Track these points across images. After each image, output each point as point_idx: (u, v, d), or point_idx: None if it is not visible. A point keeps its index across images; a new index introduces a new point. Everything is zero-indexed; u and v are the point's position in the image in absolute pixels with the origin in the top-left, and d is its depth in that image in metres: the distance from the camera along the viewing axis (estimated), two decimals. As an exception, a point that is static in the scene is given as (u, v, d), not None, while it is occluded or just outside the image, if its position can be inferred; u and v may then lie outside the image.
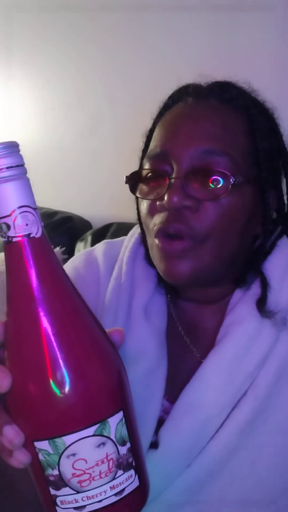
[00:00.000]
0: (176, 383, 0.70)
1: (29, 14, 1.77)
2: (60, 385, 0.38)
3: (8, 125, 1.91)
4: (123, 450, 0.40)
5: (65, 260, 1.29)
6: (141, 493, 0.42)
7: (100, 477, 0.39)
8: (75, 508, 0.40)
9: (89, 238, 1.48)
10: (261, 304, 0.68)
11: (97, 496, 0.40)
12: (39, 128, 1.83)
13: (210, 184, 0.64)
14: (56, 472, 0.39)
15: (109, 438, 0.39)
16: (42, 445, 0.39)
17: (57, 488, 0.40)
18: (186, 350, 0.74)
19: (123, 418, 0.41)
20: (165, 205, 0.64)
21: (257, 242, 0.73)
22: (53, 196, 1.76)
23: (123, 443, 0.40)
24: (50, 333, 0.38)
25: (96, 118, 1.65)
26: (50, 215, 1.65)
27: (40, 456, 0.39)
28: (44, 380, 0.38)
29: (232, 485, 0.65)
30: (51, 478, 0.40)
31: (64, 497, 0.40)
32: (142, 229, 0.75)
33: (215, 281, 0.71)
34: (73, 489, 0.39)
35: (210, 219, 0.64)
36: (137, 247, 0.78)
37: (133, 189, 0.70)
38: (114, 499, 0.40)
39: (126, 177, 0.70)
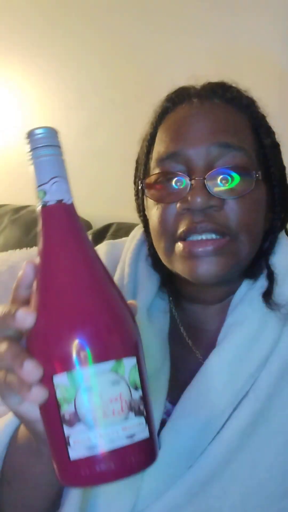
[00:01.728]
0: (178, 384, 0.70)
1: (29, 14, 1.77)
2: (83, 321, 0.43)
3: (9, 125, 1.91)
4: (135, 395, 0.43)
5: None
6: (150, 447, 0.44)
7: (113, 415, 0.42)
8: (87, 447, 0.41)
9: (89, 238, 1.48)
10: (268, 296, 0.68)
11: (109, 435, 0.41)
12: (39, 128, 1.83)
13: (232, 181, 0.64)
14: (72, 407, 0.41)
15: (123, 378, 0.42)
16: (61, 379, 0.42)
17: (71, 425, 0.42)
18: (188, 351, 0.74)
19: (136, 365, 0.44)
20: (189, 207, 0.63)
21: (266, 236, 0.74)
22: (53, 196, 1.76)
23: (135, 388, 0.43)
24: (75, 277, 0.44)
25: (96, 118, 1.65)
26: (50, 215, 1.64)
27: (58, 393, 0.42)
28: (69, 316, 0.43)
29: (233, 486, 0.64)
30: (66, 416, 0.42)
31: (77, 436, 0.41)
32: (146, 231, 0.75)
33: (235, 275, 0.70)
34: (87, 426, 0.41)
35: (237, 215, 0.64)
36: (139, 249, 0.78)
37: (143, 195, 0.70)
38: (125, 442, 0.42)
39: (140, 182, 0.70)
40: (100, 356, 0.42)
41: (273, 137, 0.72)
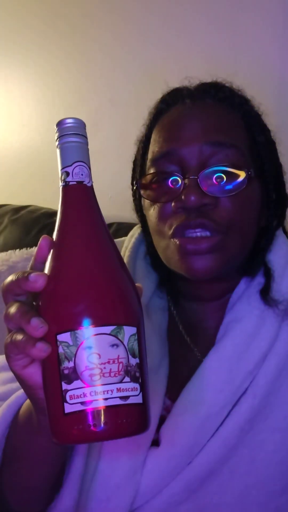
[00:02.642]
0: (177, 381, 0.70)
1: (29, 14, 1.77)
2: (90, 285, 0.46)
3: (8, 125, 1.91)
4: (132, 361, 0.46)
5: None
6: (142, 414, 0.46)
7: (110, 375, 0.44)
8: (82, 403, 0.44)
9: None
10: (266, 293, 0.68)
11: (104, 393, 0.44)
12: (39, 128, 1.83)
13: (225, 180, 0.65)
14: (71, 364, 0.44)
15: (122, 343, 0.45)
16: (64, 337, 0.45)
17: (69, 381, 0.44)
18: (187, 349, 0.74)
19: (136, 335, 0.47)
20: (183, 205, 0.64)
21: (262, 234, 0.74)
22: (53, 196, 1.75)
23: (133, 355, 0.46)
24: (88, 248, 0.48)
25: (95, 118, 1.65)
26: (50, 215, 1.65)
27: (60, 349, 0.45)
28: (77, 280, 0.46)
29: (232, 483, 0.65)
30: (66, 371, 0.44)
31: (74, 391, 0.44)
32: (145, 231, 0.75)
33: (231, 272, 0.71)
34: (84, 382, 0.44)
35: (230, 213, 0.65)
36: (137, 248, 0.79)
37: (139, 195, 0.70)
38: (119, 401, 0.44)
39: (136, 183, 0.70)
40: (102, 319, 0.45)
41: (268, 134, 0.73)
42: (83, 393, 0.44)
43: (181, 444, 0.65)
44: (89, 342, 0.44)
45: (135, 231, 0.81)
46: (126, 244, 0.80)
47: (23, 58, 1.82)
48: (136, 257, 0.78)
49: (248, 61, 1.26)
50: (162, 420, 0.68)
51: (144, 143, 0.73)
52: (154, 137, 0.71)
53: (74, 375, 0.44)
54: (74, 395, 0.44)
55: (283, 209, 0.75)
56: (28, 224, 1.66)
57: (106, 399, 0.44)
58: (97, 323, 0.45)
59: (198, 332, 0.75)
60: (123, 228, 1.37)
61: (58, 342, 0.45)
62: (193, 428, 0.65)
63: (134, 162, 0.76)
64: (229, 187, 0.65)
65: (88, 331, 0.44)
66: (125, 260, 0.78)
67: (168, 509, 0.66)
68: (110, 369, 0.44)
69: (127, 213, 0.81)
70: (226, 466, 0.66)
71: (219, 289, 0.73)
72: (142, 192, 0.70)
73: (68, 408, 0.44)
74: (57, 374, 0.45)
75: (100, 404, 0.43)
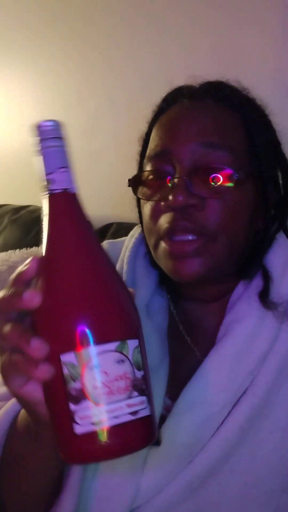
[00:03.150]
0: (177, 381, 0.70)
1: (29, 14, 1.77)
2: (91, 302, 0.45)
3: (8, 125, 1.91)
4: (138, 375, 0.45)
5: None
6: (151, 425, 0.46)
7: (118, 393, 0.44)
8: (93, 423, 0.43)
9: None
10: (264, 295, 0.68)
11: (114, 412, 0.43)
12: (39, 128, 1.83)
13: (214, 181, 0.65)
14: (78, 384, 0.43)
15: (127, 357, 0.45)
16: (68, 358, 0.43)
17: (77, 402, 0.43)
18: (187, 348, 0.74)
19: (139, 347, 0.46)
20: (170, 205, 0.64)
21: (259, 235, 0.73)
22: (53, 196, 1.76)
23: (138, 368, 0.45)
24: (81, 261, 0.47)
25: (96, 118, 1.65)
26: (50, 215, 1.65)
27: (65, 370, 0.43)
28: (76, 298, 0.45)
29: (232, 481, 0.65)
30: (73, 392, 0.43)
31: (83, 412, 0.43)
32: (143, 230, 0.75)
33: (222, 277, 0.71)
34: (93, 402, 0.43)
35: (217, 215, 0.65)
36: (138, 247, 0.79)
37: (136, 192, 0.70)
38: (130, 418, 0.44)
39: (129, 180, 0.71)
40: (106, 336, 0.44)
41: (270, 135, 0.72)
42: (93, 413, 0.43)
43: (181, 443, 0.65)
44: (95, 361, 0.43)
45: (136, 231, 0.81)
46: (126, 244, 0.80)
47: (23, 58, 1.82)
48: (136, 257, 0.78)
49: (247, 63, 1.26)
50: (162, 419, 0.68)
51: (144, 141, 0.74)
52: (152, 135, 0.71)
53: (82, 395, 0.43)
54: (83, 415, 0.43)
55: (284, 211, 0.74)
56: (28, 224, 1.66)
57: (117, 417, 0.43)
58: (102, 340, 0.44)
59: (198, 332, 0.75)
60: (123, 228, 1.37)
61: (62, 363, 0.44)
62: (194, 427, 0.66)
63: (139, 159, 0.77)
64: (217, 189, 0.65)
65: (93, 350, 0.43)
66: (125, 260, 0.78)
67: (169, 508, 0.66)
68: (118, 386, 0.44)
69: (127, 213, 0.81)
70: (227, 465, 0.66)
71: (215, 291, 0.73)
72: (134, 189, 0.70)
73: (78, 429, 0.43)
74: (63, 395, 0.44)
75: (112, 422, 0.43)
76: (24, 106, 1.86)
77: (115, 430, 0.43)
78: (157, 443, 0.67)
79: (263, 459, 0.66)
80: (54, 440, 0.46)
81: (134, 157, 0.78)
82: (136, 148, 0.77)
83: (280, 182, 0.74)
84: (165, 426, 0.67)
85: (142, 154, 0.74)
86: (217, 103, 0.70)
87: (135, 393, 0.44)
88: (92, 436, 0.43)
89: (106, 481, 0.65)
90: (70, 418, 0.43)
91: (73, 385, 0.43)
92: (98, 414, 0.43)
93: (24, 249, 1.56)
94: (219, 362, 0.68)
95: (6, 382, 0.47)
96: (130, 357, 0.45)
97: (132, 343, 0.45)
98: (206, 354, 0.69)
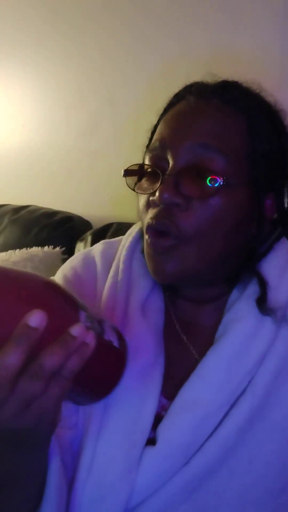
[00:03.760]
0: (173, 380, 0.70)
1: (29, 14, 1.77)
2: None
3: (8, 125, 1.91)
4: None
5: (65, 260, 1.29)
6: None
7: None
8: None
9: (89, 238, 1.48)
10: (262, 302, 0.68)
11: None
12: (39, 128, 1.83)
13: (202, 183, 0.64)
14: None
15: None
16: (82, 314, 0.53)
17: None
18: (183, 347, 0.74)
19: None
20: (155, 201, 0.65)
21: (254, 241, 0.73)
22: (53, 196, 1.76)
23: None
24: None
25: (96, 118, 1.65)
26: (50, 215, 1.65)
27: (88, 324, 0.53)
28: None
29: (231, 483, 0.65)
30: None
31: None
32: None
33: (207, 281, 0.71)
34: None
35: (198, 219, 0.65)
36: (134, 246, 0.79)
37: (131, 184, 0.71)
38: None
39: (124, 170, 0.71)
40: None
41: (279, 142, 0.70)
42: None
43: (177, 443, 0.65)
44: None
45: (133, 230, 0.81)
46: (124, 243, 0.80)
47: (24, 58, 1.82)
48: (133, 256, 0.78)
49: (249, 62, 1.26)
50: (158, 418, 0.68)
51: (152, 133, 0.75)
52: (158, 127, 0.72)
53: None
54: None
55: (284, 219, 0.73)
56: (28, 224, 1.66)
57: None
58: None
59: (195, 331, 0.75)
60: (123, 228, 1.37)
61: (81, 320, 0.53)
62: (190, 427, 0.65)
63: None
64: (202, 191, 0.64)
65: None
66: (122, 258, 0.78)
67: (167, 509, 0.66)
68: None
69: (127, 213, 0.81)
70: (225, 466, 0.65)
71: (209, 293, 0.73)
72: (126, 179, 0.71)
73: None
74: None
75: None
76: (24, 106, 1.86)
77: None
78: (153, 442, 0.67)
79: (262, 461, 0.65)
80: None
81: (134, 157, 0.78)
82: (136, 147, 0.77)
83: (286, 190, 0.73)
84: (161, 426, 0.67)
85: (148, 145, 0.75)
86: (224, 104, 0.69)
87: None
88: None
89: (100, 480, 0.65)
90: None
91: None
92: None
93: (24, 249, 1.56)
94: (216, 361, 0.67)
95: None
96: None
97: None
98: (203, 353, 0.69)
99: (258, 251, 0.71)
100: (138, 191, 0.70)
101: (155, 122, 0.75)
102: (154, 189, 0.66)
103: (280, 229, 0.74)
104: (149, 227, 0.67)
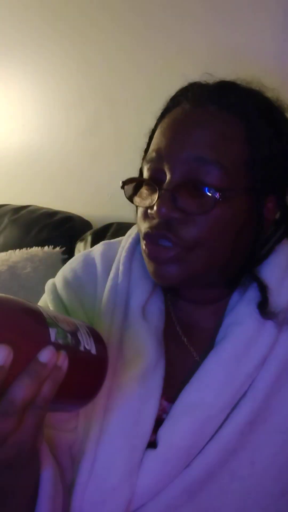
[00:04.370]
0: (174, 382, 0.70)
1: (29, 14, 1.77)
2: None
3: (8, 125, 1.91)
4: None
5: (65, 260, 1.29)
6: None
7: None
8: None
9: (89, 238, 1.48)
10: (263, 306, 0.68)
11: None
12: (39, 128, 1.83)
13: (199, 197, 0.64)
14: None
15: None
16: (52, 331, 0.50)
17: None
18: (184, 349, 0.74)
19: None
20: (153, 215, 0.65)
21: (255, 245, 0.72)
22: (53, 196, 1.76)
23: None
24: None
25: (96, 118, 1.65)
26: (50, 215, 1.65)
27: (60, 341, 0.50)
28: None
29: (232, 485, 0.65)
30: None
31: None
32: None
33: (209, 283, 0.71)
34: None
35: (198, 230, 0.65)
36: (134, 247, 0.78)
37: (129, 194, 0.70)
38: None
39: (122, 182, 0.71)
40: None
41: (276, 146, 0.69)
42: None
43: (178, 446, 0.65)
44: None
45: (133, 231, 0.81)
46: (123, 244, 0.80)
47: (24, 59, 1.82)
48: (133, 257, 0.78)
49: (249, 62, 1.26)
50: (159, 421, 0.68)
51: (150, 137, 0.74)
52: (155, 134, 0.71)
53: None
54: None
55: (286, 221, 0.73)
56: (28, 224, 1.66)
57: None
58: None
59: (195, 333, 0.75)
60: (123, 228, 1.37)
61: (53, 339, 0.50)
62: (191, 430, 0.65)
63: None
64: (200, 205, 0.64)
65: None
66: (121, 260, 0.77)
67: None
68: None
69: (127, 213, 0.80)
70: (226, 469, 0.65)
71: (211, 294, 0.73)
72: (126, 192, 0.71)
73: None
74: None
75: None
76: (24, 106, 1.86)
77: None
78: (154, 445, 0.66)
79: (263, 463, 0.65)
80: None
81: (134, 157, 0.78)
82: (136, 148, 0.77)
83: None
84: (162, 429, 0.66)
85: (146, 150, 0.74)
86: (220, 110, 0.67)
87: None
88: None
89: (101, 484, 0.65)
90: None
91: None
92: None
93: (24, 249, 1.56)
94: (217, 364, 0.67)
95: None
96: None
97: None
98: (203, 355, 0.69)
99: (259, 253, 0.71)
100: (136, 203, 0.69)
101: (155, 122, 0.75)
102: (152, 201, 0.66)
103: (282, 230, 0.73)
104: (147, 235, 0.67)
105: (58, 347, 0.49)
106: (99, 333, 0.57)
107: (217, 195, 0.63)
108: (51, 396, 0.48)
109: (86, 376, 0.55)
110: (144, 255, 0.69)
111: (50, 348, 0.47)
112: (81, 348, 0.53)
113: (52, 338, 0.50)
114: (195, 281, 0.69)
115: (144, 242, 0.68)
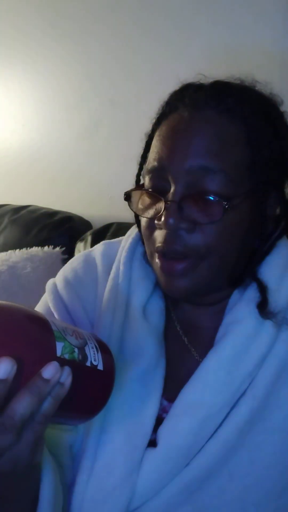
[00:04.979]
0: (175, 382, 0.70)
1: (30, 14, 1.77)
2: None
3: (9, 125, 1.91)
4: None
5: (65, 260, 1.29)
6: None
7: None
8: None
9: (89, 238, 1.48)
10: (262, 306, 0.68)
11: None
12: (39, 128, 1.83)
13: (206, 207, 0.64)
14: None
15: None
16: (59, 346, 0.49)
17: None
18: (184, 349, 0.74)
19: None
20: (161, 226, 0.65)
21: (257, 245, 0.72)
22: (53, 196, 1.76)
23: None
24: None
25: (96, 118, 1.65)
26: (50, 215, 1.65)
27: (66, 356, 0.49)
28: None
29: (231, 484, 0.65)
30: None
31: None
32: (140, 231, 0.75)
33: (215, 289, 0.72)
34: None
35: (208, 239, 0.65)
36: (134, 247, 0.78)
37: (131, 205, 0.70)
38: None
39: (125, 193, 0.70)
40: None
41: (276, 146, 0.69)
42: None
43: (178, 446, 0.65)
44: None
45: (133, 231, 0.81)
46: (123, 245, 0.80)
47: (24, 59, 1.82)
48: (133, 258, 0.78)
49: (250, 58, 1.26)
50: (159, 421, 0.68)
51: (146, 143, 0.73)
52: (153, 142, 0.70)
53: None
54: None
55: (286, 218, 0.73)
56: (28, 224, 1.66)
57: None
58: None
59: (196, 333, 0.75)
60: (123, 228, 1.37)
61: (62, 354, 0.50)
62: (191, 429, 0.65)
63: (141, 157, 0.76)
64: (208, 214, 0.64)
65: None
66: (122, 260, 0.77)
67: (167, 511, 0.66)
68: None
69: (127, 213, 0.80)
70: (226, 468, 0.65)
71: (212, 298, 0.73)
72: (130, 203, 0.70)
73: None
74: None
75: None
76: (24, 106, 1.86)
77: None
78: (154, 444, 0.66)
79: (262, 462, 0.65)
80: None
81: (134, 157, 0.78)
82: (136, 148, 0.77)
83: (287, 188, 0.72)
84: (162, 428, 0.67)
85: (143, 155, 0.74)
86: (219, 114, 0.67)
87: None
88: None
89: (101, 484, 0.65)
90: None
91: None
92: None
93: (24, 249, 1.56)
94: (217, 363, 0.67)
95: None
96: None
97: None
98: (204, 355, 0.69)
99: (261, 251, 0.71)
100: (141, 214, 0.69)
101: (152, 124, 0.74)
102: (158, 211, 0.65)
103: (283, 225, 0.73)
104: (159, 252, 0.67)
105: (63, 362, 0.48)
106: (108, 346, 0.56)
107: (225, 204, 0.64)
108: (52, 412, 0.48)
109: (90, 392, 0.53)
110: (156, 268, 0.69)
111: (54, 364, 0.46)
112: (88, 363, 0.52)
113: (58, 352, 0.48)
114: (203, 291, 0.69)
115: (157, 256, 0.67)
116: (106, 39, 1.59)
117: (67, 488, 0.66)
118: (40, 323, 0.49)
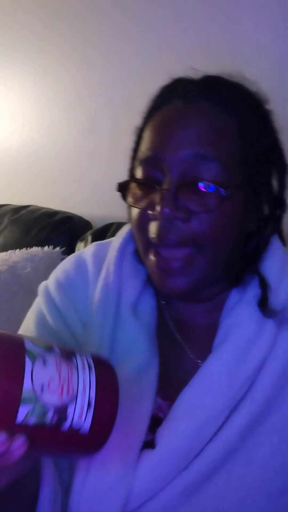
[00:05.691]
0: (170, 381, 0.70)
1: (29, 14, 1.77)
2: None
3: (8, 125, 1.91)
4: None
5: (65, 260, 1.29)
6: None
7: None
8: None
9: (89, 238, 1.48)
10: (263, 304, 0.68)
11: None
12: (39, 128, 1.83)
13: (202, 195, 0.64)
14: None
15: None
16: (23, 410, 0.44)
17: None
18: (178, 348, 0.74)
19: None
20: (156, 216, 0.64)
21: (252, 240, 0.73)
22: (53, 196, 1.76)
23: None
24: None
25: (96, 118, 1.65)
26: (50, 215, 1.65)
27: (30, 422, 0.45)
28: None
29: (229, 485, 0.65)
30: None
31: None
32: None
33: (210, 283, 0.71)
34: None
35: (204, 228, 0.64)
36: (125, 247, 0.78)
37: (124, 195, 0.70)
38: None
39: (118, 184, 0.70)
40: None
41: (268, 141, 0.70)
42: None
43: (177, 448, 0.65)
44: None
45: (124, 230, 0.81)
46: (114, 244, 0.80)
47: (24, 59, 1.82)
48: (123, 258, 0.77)
49: (248, 52, 1.26)
50: (155, 420, 0.68)
51: (138, 136, 0.73)
52: (145, 134, 0.70)
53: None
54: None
55: (280, 214, 0.73)
56: (28, 224, 1.66)
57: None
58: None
59: (189, 331, 0.74)
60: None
61: (23, 422, 0.46)
62: (191, 432, 0.65)
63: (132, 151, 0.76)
64: (204, 203, 0.64)
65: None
66: (112, 260, 0.77)
67: None
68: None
69: (127, 213, 0.80)
70: (224, 470, 0.65)
71: (206, 293, 0.73)
72: (123, 195, 0.70)
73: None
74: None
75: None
76: (24, 106, 1.86)
77: None
78: (151, 445, 0.66)
79: (260, 463, 0.65)
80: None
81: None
82: (136, 148, 0.77)
83: (275, 184, 0.72)
84: (160, 430, 0.66)
85: (135, 149, 0.73)
86: (212, 106, 0.67)
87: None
88: None
89: (97, 484, 0.64)
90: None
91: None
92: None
93: (24, 249, 1.56)
94: (218, 366, 0.67)
95: None
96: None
97: None
98: (200, 355, 0.69)
99: (259, 250, 0.71)
100: (134, 205, 0.68)
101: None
102: (152, 203, 0.65)
103: (273, 222, 0.73)
104: (155, 245, 0.66)
105: (22, 429, 0.44)
106: (117, 384, 0.52)
107: (221, 191, 0.63)
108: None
109: (70, 452, 0.52)
110: (150, 265, 0.68)
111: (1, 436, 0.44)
112: (64, 427, 0.47)
113: (20, 418, 0.44)
114: (200, 286, 0.69)
115: (152, 252, 0.66)
116: (106, 39, 1.59)
117: (64, 488, 0.66)
118: (10, 379, 0.44)
